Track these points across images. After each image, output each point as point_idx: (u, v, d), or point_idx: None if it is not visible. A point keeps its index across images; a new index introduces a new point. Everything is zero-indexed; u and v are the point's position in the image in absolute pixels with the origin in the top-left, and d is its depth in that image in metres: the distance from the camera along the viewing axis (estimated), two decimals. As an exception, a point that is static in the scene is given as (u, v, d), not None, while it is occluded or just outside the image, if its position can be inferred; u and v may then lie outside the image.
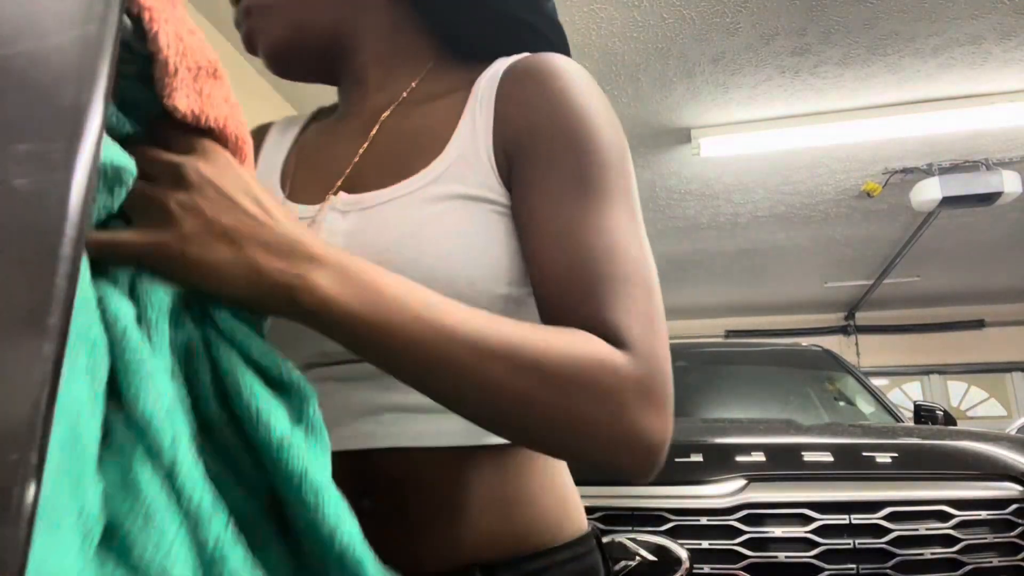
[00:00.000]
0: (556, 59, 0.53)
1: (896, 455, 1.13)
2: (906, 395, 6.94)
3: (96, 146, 0.24)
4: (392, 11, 0.60)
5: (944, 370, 6.87)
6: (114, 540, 0.29)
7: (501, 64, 0.55)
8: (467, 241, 0.48)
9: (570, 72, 0.52)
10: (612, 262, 0.45)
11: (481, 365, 0.39)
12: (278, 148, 0.66)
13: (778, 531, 1.07)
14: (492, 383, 0.39)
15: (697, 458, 1.18)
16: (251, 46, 0.64)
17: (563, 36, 0.61)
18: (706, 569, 1.07)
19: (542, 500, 0.52)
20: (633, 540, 1.10)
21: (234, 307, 0.39)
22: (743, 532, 1.08)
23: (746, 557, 1.06)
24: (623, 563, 1.09)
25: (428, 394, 0.41)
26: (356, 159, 0.55)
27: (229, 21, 0.70)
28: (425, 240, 0.47)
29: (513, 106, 0.51)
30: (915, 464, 1.12)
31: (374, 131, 0.56)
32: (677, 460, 1.19)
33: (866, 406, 2.25)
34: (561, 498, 0.55)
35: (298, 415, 0.38)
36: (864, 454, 1.14)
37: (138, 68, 0.37)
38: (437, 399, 0.41)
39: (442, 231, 0.48)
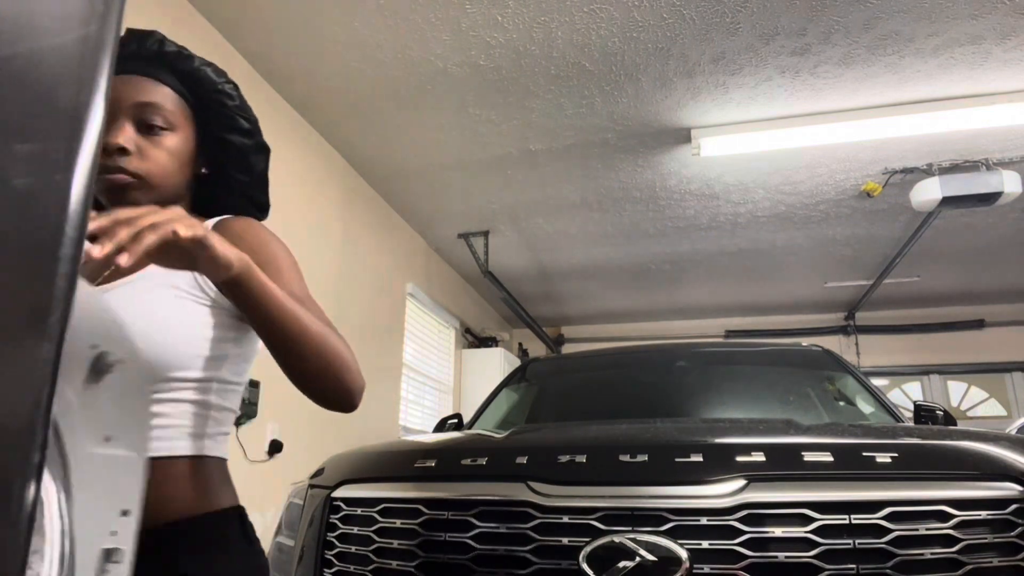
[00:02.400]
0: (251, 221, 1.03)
1: (896, 455, 1.13)
2: (906, 395, 6.94)
3: (96, 146, 0.24)
4: (191, 187, 1.03)
5: (944, 370, 6.87)
6: None
7: (210, 222, 1.00)
8: (169, 313, 0.88)
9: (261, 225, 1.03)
10: (315, 303, 0.95)
11: (308, 327, 0.85)
12: None
13: (778, 531, 1.07)
14: (312, 335, 0.85)
15: (697, 458, 1.18)
16: (116, 189, 0.92)
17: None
18: (706, 569, 1.07)
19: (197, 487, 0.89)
20: (633, 540, 1.10)
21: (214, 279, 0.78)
22: (743, 532, 1.07)
23: (746, 557, 1.06)
24: (623, 563, 1.09)
25: (279, 337, 0.83)
26: None
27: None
28: (147, 308, 0.87)
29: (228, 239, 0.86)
30: (915, 464, 1.12)
31: None
32: (677, 460, 1.19)
33: (866, 406, 2.25)
34: (206, 486, 0.90)
35: None
36: (864, 454, 1.14)
37: None
38: (283, 341, 0.84)
39: (157, 304, 0.87)
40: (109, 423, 0.47)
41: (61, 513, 0.40)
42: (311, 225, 3.62)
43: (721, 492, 1.11)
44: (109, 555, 0.45)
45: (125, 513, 0.47)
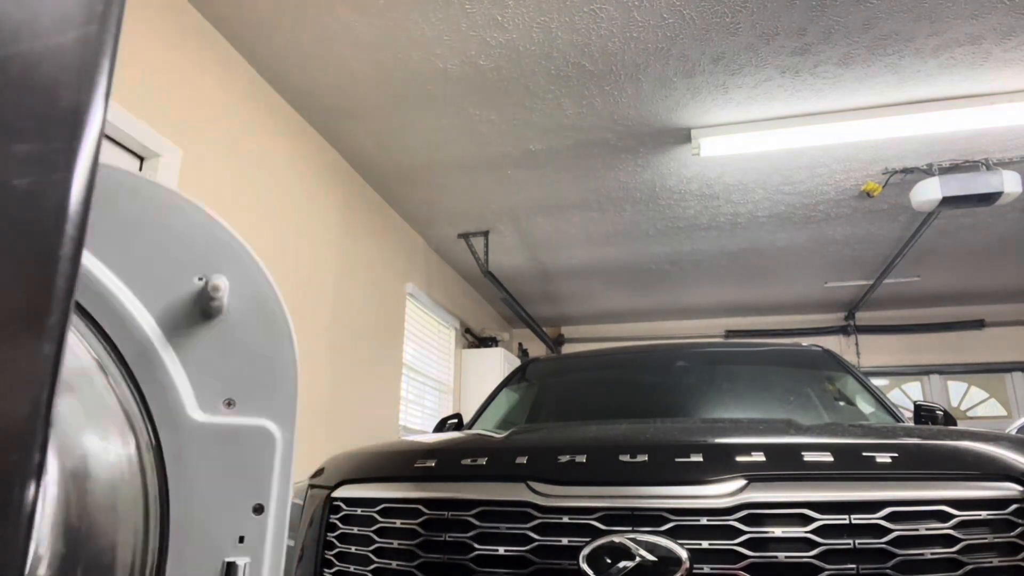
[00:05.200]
0: None
1: (896, 455, 1.13)
2: (906, 395, 6.94)
3: (96, 146, 0.24)
4: None
5: (944, 370, 6.87)
6: None
7: None
8: None
9: None
10: None
11: None
12: None
13: (778, 531, 1.07)
14: None
15: (697, 458, 1.18)
16: None
17: None
18: (706, 569, 1.07)
19: None
20: (633, 540, 1.10)
21: None
22: (743, 532, 1.07)
23: (746, 557, 1.06)
24: (623, 563, 1.09)
25: None
26: None
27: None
28: None
29: None
30: (915, 464, 1.12)
31: None
32: (677, 460, 1.19)
33: (866, 406, 2.25)
34: None
35: None
36: (864, 454, 1.14)
37: None
38: None
39: None
40: (229, 381, 0.35)
41: (68, 506, 0.32)
42: (311, 225, 3.62)
43: (721, 492, 1.11)
44: (231, 571, 0.33)
45: (258, 510, 0.34)
